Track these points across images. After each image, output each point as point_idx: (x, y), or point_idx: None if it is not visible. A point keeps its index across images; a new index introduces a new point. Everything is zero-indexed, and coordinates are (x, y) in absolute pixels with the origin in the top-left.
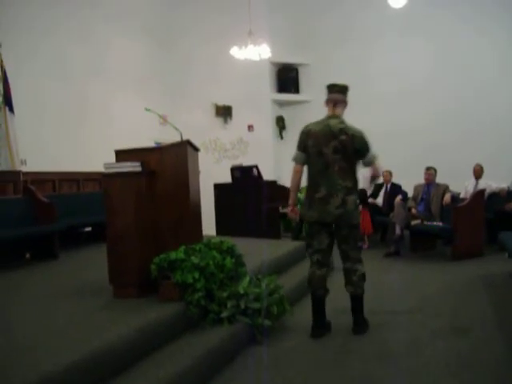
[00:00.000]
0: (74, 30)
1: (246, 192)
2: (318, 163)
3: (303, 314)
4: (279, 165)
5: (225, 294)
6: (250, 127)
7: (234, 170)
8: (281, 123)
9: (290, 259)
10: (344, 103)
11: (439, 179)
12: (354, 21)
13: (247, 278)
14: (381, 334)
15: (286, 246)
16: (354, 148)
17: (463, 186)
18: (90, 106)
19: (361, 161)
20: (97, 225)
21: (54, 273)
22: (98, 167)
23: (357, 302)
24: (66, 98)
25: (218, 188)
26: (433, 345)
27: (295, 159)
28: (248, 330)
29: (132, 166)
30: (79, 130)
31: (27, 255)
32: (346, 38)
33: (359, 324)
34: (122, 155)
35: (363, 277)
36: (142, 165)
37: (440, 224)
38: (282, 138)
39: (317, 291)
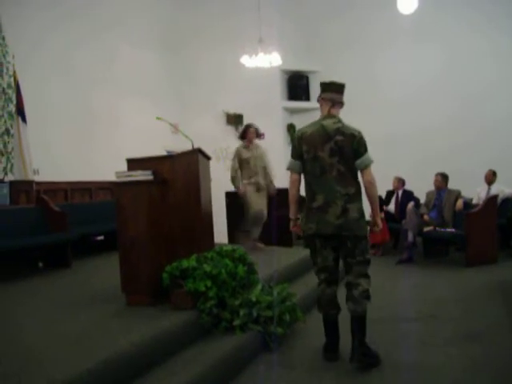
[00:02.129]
0: (84, 39)
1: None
2: (314, 169)
3: (316, 321)
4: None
5: (237, 302)
6: (261, 135)
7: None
8: (292, 131)
9: (302, 267)
10: (341, 104)
11: (451, 185)
12: (363, 27)
13: (259, 286)
14: (394, 340)
15: (297, 253)
16: (353, 149)
17: (475, 191)
18: (100, 114)
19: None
20: (109, 233)
21: (67, 281)
22: (110, 176)
23: (357, 323)
24: (76, 107)
25: (230, 196)
26: (446, 351)
27: (290, 168)
28: (260, 338)
29: (144, 175)
30: (90, 140)
31: (40, 264)
32: (355, 44)
33: (363, 353)
34: (133, 164)
35: (366, 294)
36: (154, 173)
37: (453, 230)
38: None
39: (328, 312)
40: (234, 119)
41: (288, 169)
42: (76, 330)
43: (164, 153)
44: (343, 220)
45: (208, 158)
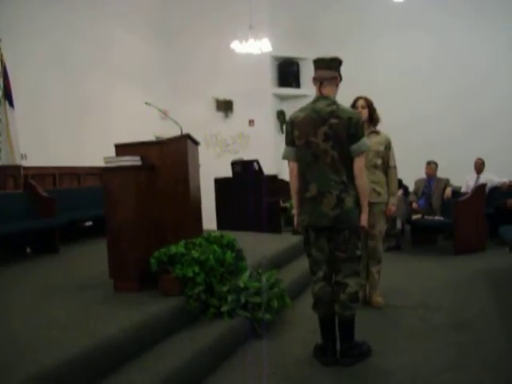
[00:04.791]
0: (75, 25)
1: (246, 186)
2: (306, 156)
3: (304, 308)
4: (280, 159)
5: (225, 288)
6: (251, 122)
7: (234, 164)
8: (282, 117)
9: (291, 253)
10: (334, 80)
11: (440, 173)
12: (354, 15)
13: (247, 272)
14: (382, 327)
15: (286, 240)
16: (350, 133)
17: (464, 180)
18: (90, 100)
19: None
20: (97, 219)
21: (55, 267)
22: (99, 162)
23: (344, 327)
24: (66, 93)
25: (219, 182)
26: (434, 338)
27: (286, 156)
28: (248, 325)
29: (132, 160)
30: (79, 125)
31: (28, 250)
32: (346, 31)
33: (345, 354)
34: (121, 149)
35: (355, 296)
36: (142, 159)
37: (441, 218)
38: (282, 132)
39: (327, 312)
40: (224, 105)
41: (284, 158)
42: (64, 316)
43: (153, 139)
44: (339, 211)
45: (197, 143)
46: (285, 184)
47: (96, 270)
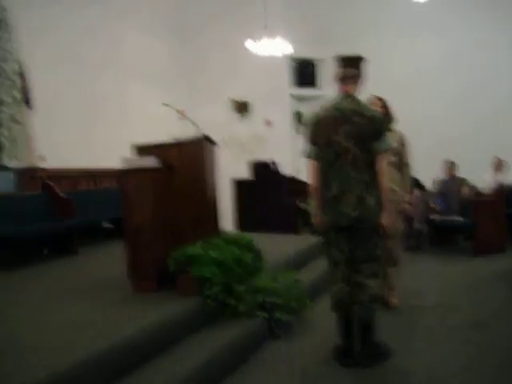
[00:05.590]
0: (89, 24)
1: (263, 187)
2: (328, 155)
3: (323, 309)
4: (297, 160)
5: (242, 288)
6: (269, 122)
7: (251, 165)
8: (299, 118)
9: (309, 254)
10: (356, 78)
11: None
12: (372, 14)
13: (266, 273)
14: (399, 328)
15: (304, 240)
16: (374, 131)
17: (483, 178)
18: (106, 102)
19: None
20: (115, 220)
21: (73, 268)
22: (116, 163)
23: (362, 328)
24: (81, 93)
25: (236, 183)
26: (450, 339)
27: (309, 155)
28: (266, 325)
29: (150, 161)
30: (96, 126)
31: (45, 251)
32: (362, 31)
33: (364, 356)
34: (139, 150)
35: (375, 297)
36: (160, 160)
37: (460, 219)
38: (299, 132)
39: (346, 312)
40: (241, 106)
41: (306, 156)
42: (80, 318)
43: (171, 139)
44: (361, 211)
45: (215, 144)
46: (302, 184)
47: (114, 271)
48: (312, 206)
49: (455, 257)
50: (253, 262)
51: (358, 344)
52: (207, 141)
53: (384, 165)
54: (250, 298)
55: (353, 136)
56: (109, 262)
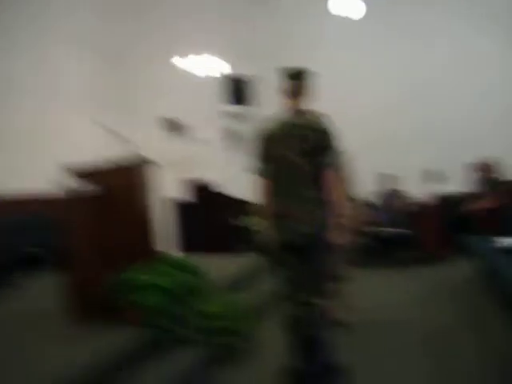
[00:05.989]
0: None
1: (204, 208)
2: (280, 170)
3: (270, 330)
4: (230, 177)
5: (190, 314)
6: (202, 141)
7: (190, 185)
8: (234, 136)
9: (253, 274)
10: (304, 92)
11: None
12: (313, 28)
13: (213, 297)
14: (355, 344)
15: (246, 260)
16: (323, 146)
17: (418, 190)
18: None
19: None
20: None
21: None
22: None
23: (311, 346)
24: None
25: (177, 205)
26: (407, 353)
27: (260, 172)
28: (216, 351)
29: (81, 187)
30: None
31: None
32: (300, 46)
33: (314, 375)
34: (74, 173)
35: (322, 315)
36: (93, 186)
37: (399, 230)
38: (235, 150)
39: (298, 331)
40: (173, 125)
41: (257, 174)
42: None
43: (101, 160)
44: (310, 227)
45: (150, 164)
46: (233, 200)
47: (50, 303)
48: (257, 224)
49: (400, 269)
50: (198, 285)
51: (307, 362)
52: (142, 162)
53: (334, 180)
54: (198, 324)
55: (303, 152)
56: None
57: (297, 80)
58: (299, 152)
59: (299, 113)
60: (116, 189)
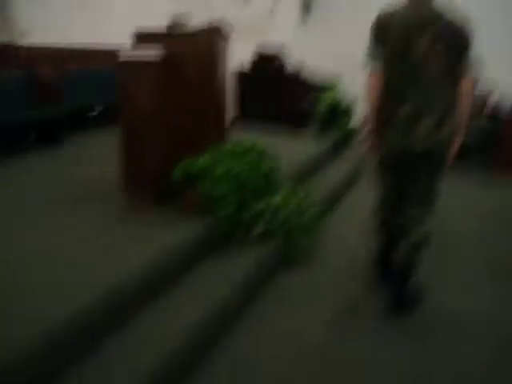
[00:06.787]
0: None
1: (266, 84)
2: (403, 63)
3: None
4: (303, 50)
5: (260, 206)
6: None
7: (257, 53)
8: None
9: (320, 161)
10: None
11: None
12: None
13: (283, 187)
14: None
15: (312, 145)
16: (460, 45)
17: None
18: None
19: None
20: (108, 106)
21: (57, 165)
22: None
23: (404, 270)
24: None
25: (237, 76)
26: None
27: (372, 61)
28: (283, 250)
29: (150, 53)
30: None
31: (33, 136)
32: None
33: (397, 299)
34: (140, 39)
35: (424, 242)
36: (163, 51)
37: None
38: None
39: (388, 243)
40: None
41: (368, 62)
42: (66, 246)
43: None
44: (437, 137)
45: (224, 32)
46: (308, 84)
47: (104, 171)
48: (369, 131)
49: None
50: (268, 174)
51: (396, 286)
52: (215, 29)
53: (470, 86)
54: (270, 218)
55: (437, 47)
56: (98, 156)
57: None
58: (432, 40)
59: (431, 2)
60: (186, 57)
